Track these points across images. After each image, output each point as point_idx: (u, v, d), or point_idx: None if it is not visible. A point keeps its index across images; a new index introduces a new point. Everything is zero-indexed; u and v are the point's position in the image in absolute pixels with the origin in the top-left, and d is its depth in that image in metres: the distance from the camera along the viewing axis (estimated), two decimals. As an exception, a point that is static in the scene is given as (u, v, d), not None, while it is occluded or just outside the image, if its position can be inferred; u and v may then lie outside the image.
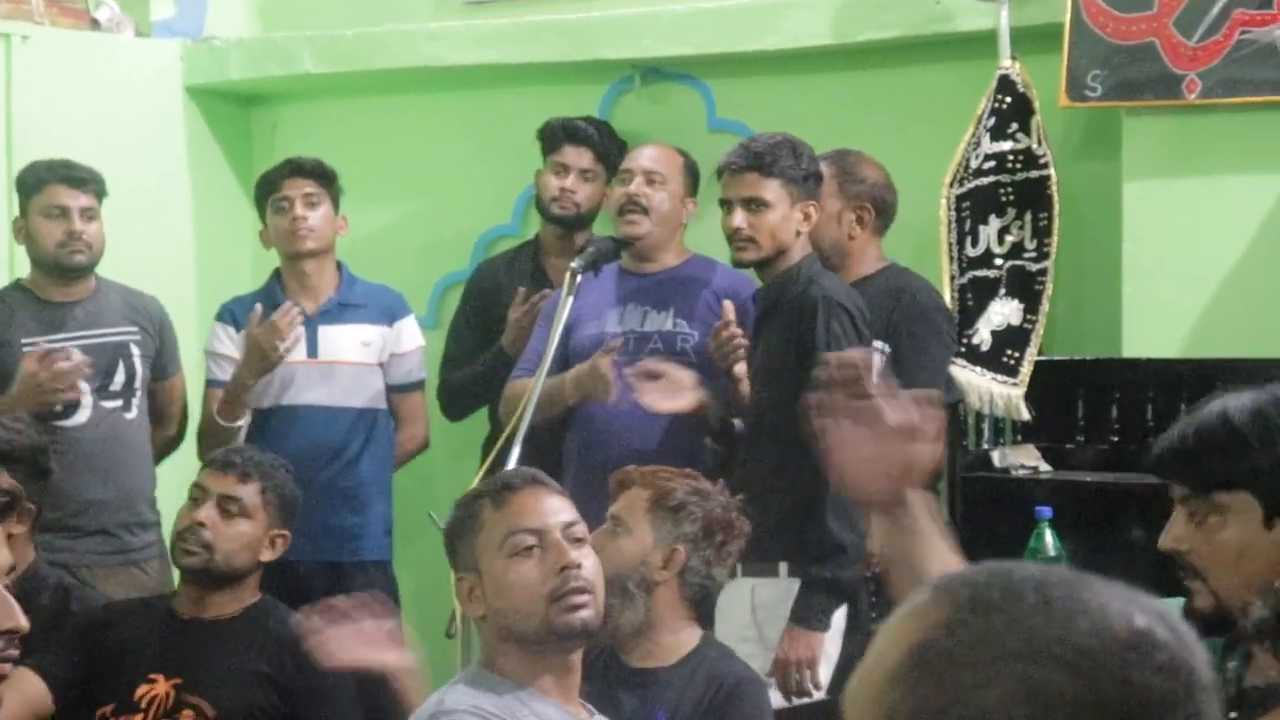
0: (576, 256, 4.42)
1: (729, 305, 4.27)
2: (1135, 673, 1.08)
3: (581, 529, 2.78)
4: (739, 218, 4.04)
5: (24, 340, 4.60)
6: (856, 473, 2.08)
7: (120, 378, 4.67)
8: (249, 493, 3.70)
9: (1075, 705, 1.07)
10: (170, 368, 4.87)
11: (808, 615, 3.85)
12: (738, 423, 4.24)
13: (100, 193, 4.68)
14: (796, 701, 3.83)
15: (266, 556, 3.73)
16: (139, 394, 4.71)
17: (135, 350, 4.71)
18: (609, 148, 4.99)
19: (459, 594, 2.74)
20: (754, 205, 4.03)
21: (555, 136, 4.99)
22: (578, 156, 4.95)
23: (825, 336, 3.89)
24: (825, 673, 3.89)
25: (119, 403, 4.66)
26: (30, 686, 3.52)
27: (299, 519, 4.52)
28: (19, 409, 4.46)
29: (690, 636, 3.38)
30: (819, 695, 3.86)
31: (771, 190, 4.03)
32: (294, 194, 4.79)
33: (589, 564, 2.74)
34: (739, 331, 4.21)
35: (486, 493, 2.78)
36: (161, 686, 3.52)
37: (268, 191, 4.85)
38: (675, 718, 3.27)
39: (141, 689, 3.52)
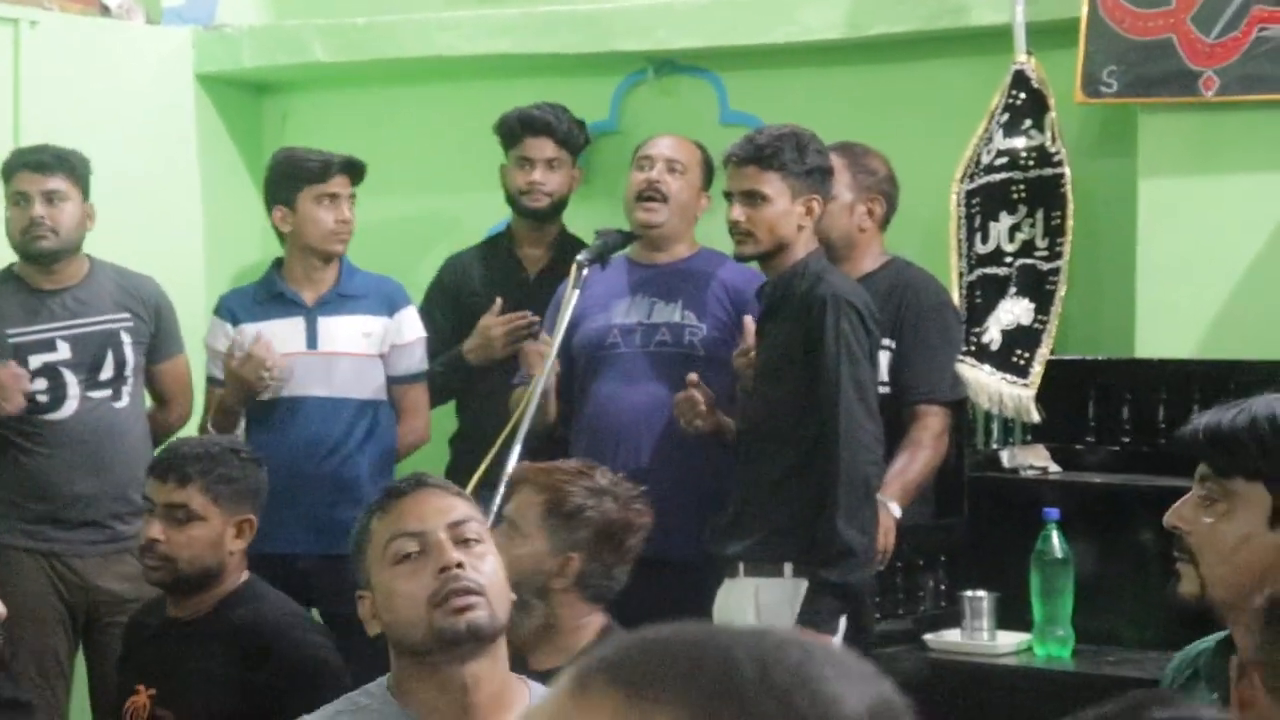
0: (583, 250, 4.38)
1: (749, 322, 4.22)
2: None
3: (474, 528, 2.56)
4: (738, 210, 4.00)
5: (9, 331, 4.57)
6: None
7: (109, 368, 4.63)
8: (192, 494, 3.53)
9: None
10: (171, 349, 4.81)
11: (816, 618, 3.80)
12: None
13: (76, 173, 4.60)
14: None
15: (236, 546, 3.56)
16: (130, 382, 4.67)
17: (126, 338, 4.66)
18: (569, 132, 4.96)
19: (362, 615, 2.56)
20: (753, 198, 3.99)
21: (513, 130, 4.96)
22: (539, 147, 4.92)
23: (835, 335, 3.85)
24: None
25: (108, 392, 4.62)
26: None
27: (299, 510, 4.51)
28: None
29: (591, 629, 3.24)
30: None
31: (771, 184, 3.98)
32: (343, 193, 4.75)
33: (482, 564, 2.53)
34: (699, 398, 4.18)
35: (374, 503, 2.62)
36: (141, 698, 3.47)
37: (307, 180, 4.74)
38: None
39: (129, 700, 3.49)
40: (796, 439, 3.90)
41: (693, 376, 4.23)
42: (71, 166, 4.61)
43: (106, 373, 4.62)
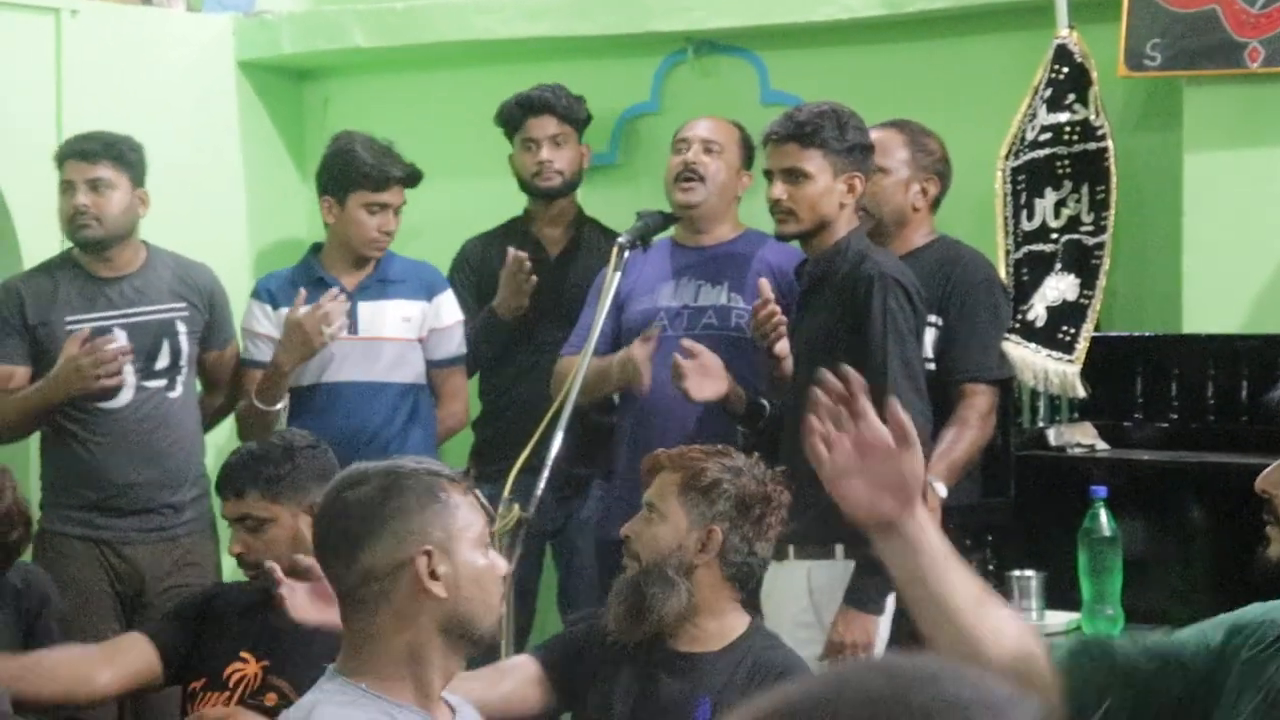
0: (624, 232, 4.37)
1: (764, 283, 4.20)
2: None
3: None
4: (779, 188, 3.98)
5: (68, 318, 4.58)
6: (857, 496, 2.01)
7: (165, 357, 4.64)
8: (251, 503, 3.52)
9: None
10: (223, 338, 4.82)
11: (862, 597, 3.78)
12: (766, 404, 4.18)
13: (124, 161, 4.60)
14: None
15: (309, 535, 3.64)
16: (184, 371, 4.68)
17: (182, 327, 4.67)
18: (570, 107, 4.95)
19: (420, 569, 2.46)
20: (794, 176, 3.96)
21: (514, 115, 4.97)
22: (542, 126, 4.92)
23: (882, 313, 3.82)
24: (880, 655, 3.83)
25: (163, 382, 4.63)
26: (141, 652, 3.48)
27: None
28: (58, 392, 4.47)
29: (737, 622, 3.32)
30: None
31: (813, 161, 3.95)
32: (394, 203, 4.77)
33: None
34: (778, 309, 4.15)
35: (456, 473, 2.60)
36: (251, 667, 3.48)
37: (362, 185, 4.74)
38: (719, 705, 3.21)
39: (232, 666, 3.49)
40: None
41: (765, 282, 4.18)
42: (119, 154, 4.61)
43: (162, 362, 4.63)
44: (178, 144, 5.17)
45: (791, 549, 3.91)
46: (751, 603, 3.88)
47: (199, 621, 3.57)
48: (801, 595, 3.89)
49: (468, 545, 2.49)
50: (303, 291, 4.67)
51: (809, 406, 3.72)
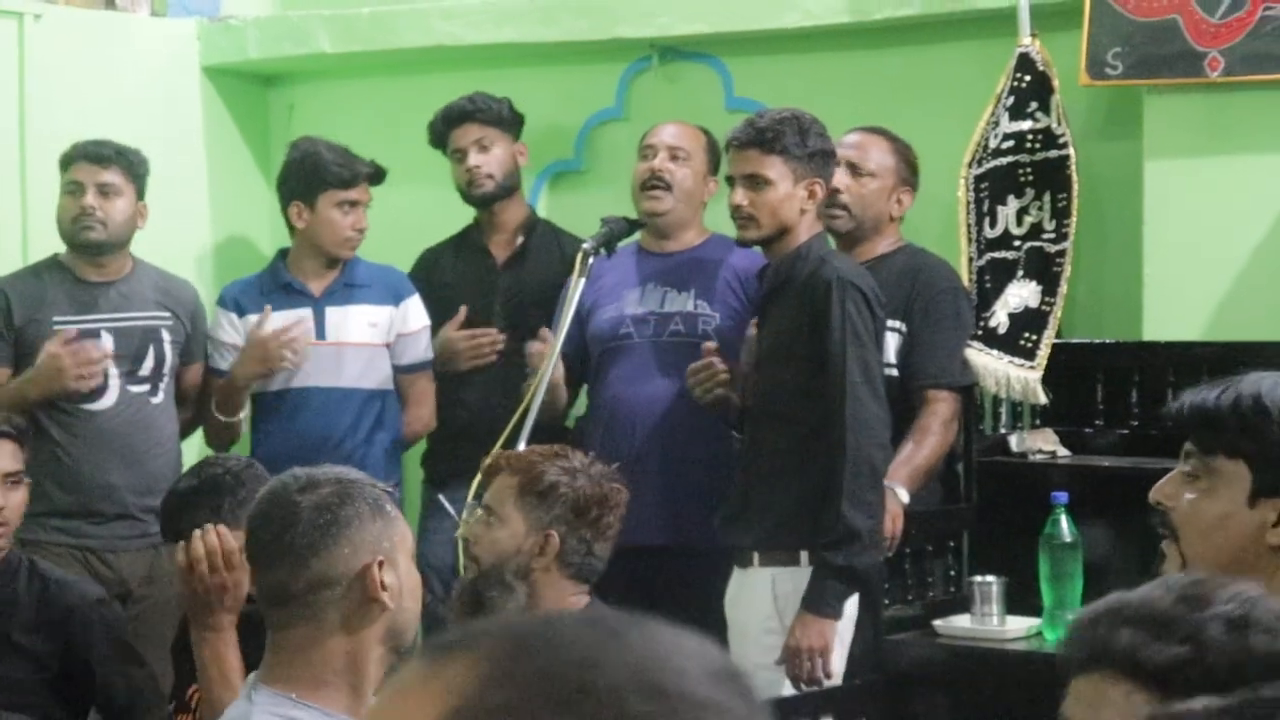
0: (589, 238, 4.38)
1: (709, 345, 4.24)
2: (728, 703, 0.97)
3: None
4: (740, 194, 3.99)
5: (55, 318, 4.61)
6: None
7: (149, 362, 4.67)
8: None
9: None
10: (197, 353, 4.85)
11: (819, 602, 3.80)
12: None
13: (132, 170, 4.66)
14: (806, 690, 3.79)
15: None
16: (167, 379, 4.71)
17: (166, 335, 4.71)
18: (490, 109, 4.94)
19: (375, 579, 2.42)
20: (756, 182, 3.97)
21: (438, 130, 4.99)
22: (465, 134, 4.92)
23: (840, 317, 3.84)
24: (838, 661, 3.84)
25: (146, 387, 4.66)
26: None
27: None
28: (36, 389, 4.47)
29: (576, 608, 3.28)
30: (831, 683, 3.82)
31: (774, 168, 3.96)
32: (363, 200, 4.80)
33: None
34: (719, 368, 4.16)
35: (391, 493, 2.59)
36: None
37: (331, 184, 4.77)
38: None
39: (193, 687, 3.47)
40: (801, 422, 3.90)
41: (710, 345, 4.23)
42: (129, 163, 4.67)
43: (146, 368, 4.66)
44: (141, 148, 5.14)
45: (756, 556, 3.92)
46: (713, 609, 3.89)
47: (177, 653, 3.56)
48: (766, 602, 3.90)
49: (405, 557, 2.48)
50: (268, 309, 4.69)
51: (774, 409, 3.74)
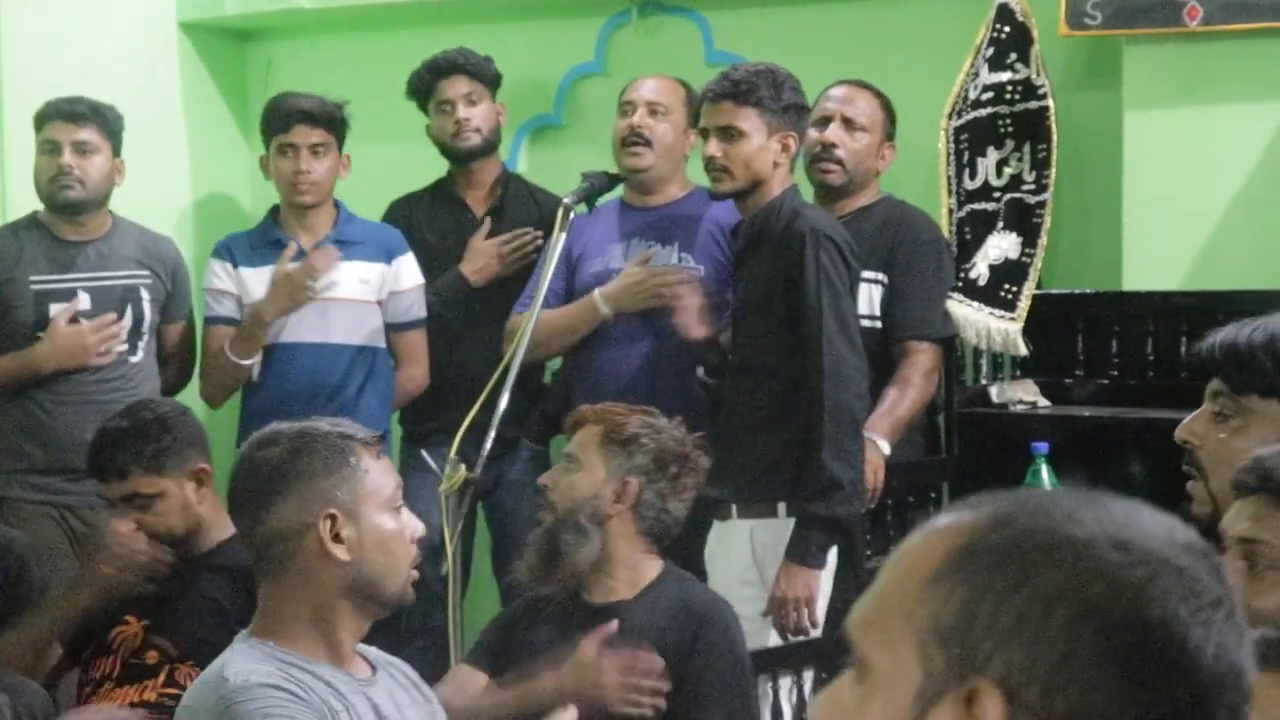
0: (569, 193, 4.38)
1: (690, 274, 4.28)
2: (1190, 566, 1.12)
3: None
4: (714, 146, 3.98)
5: (33, 278, 4.58)
6: None
7: (128, 321, 4.64)
8: (137, 481, 3.52)
9: (1138, 590, 1.09)
10: (179, 311, 4.83)
11: (804, 552, 3.80)
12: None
13: (107, 128, 4.62)
14: (793, 639, 3.80)
15: (203, 496, 3.55)
16: (146, 338, 4.68)
17: (145, 294, 4.67)
18: (480, 66, 4.93)
19: (323, 534, 2.48)
20: (729, 134, 3.96)
21: (424, 81, 4.95)
22: (454, 86, 4.90)
23: (815, 268, 3.84)
24: (822, 610, 3.86)
25: (124, 346, 4.62)
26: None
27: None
28: (49, 363, 4.46)
29: (650, 568, 3.35)
30: (815, 633, 3.83)
31: (748, 120, 3.95)
32: (301, 142, 4.74)
33: None
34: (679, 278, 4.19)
35: (367, 437, 2.61)
36: (132, 627, 3.49)
37: (274, 129, 4.79)
38: (645, 646, 3.23)
39: (116, 630, 3.50)
40: (780, 374, 3.89)
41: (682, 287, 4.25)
42: (104, 120, 4.63)
43: (124, 327, 4.62)
44: (120, 105, 5.11)
45: (734, 508, 3.93)
46: (693, 562, 3.90)
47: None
48: (745, 554, 3.91)
49: (375, 508, 2.51)
50: (292, 244, 4.69)
51: (752, 363, 3.73)
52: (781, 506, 3.88)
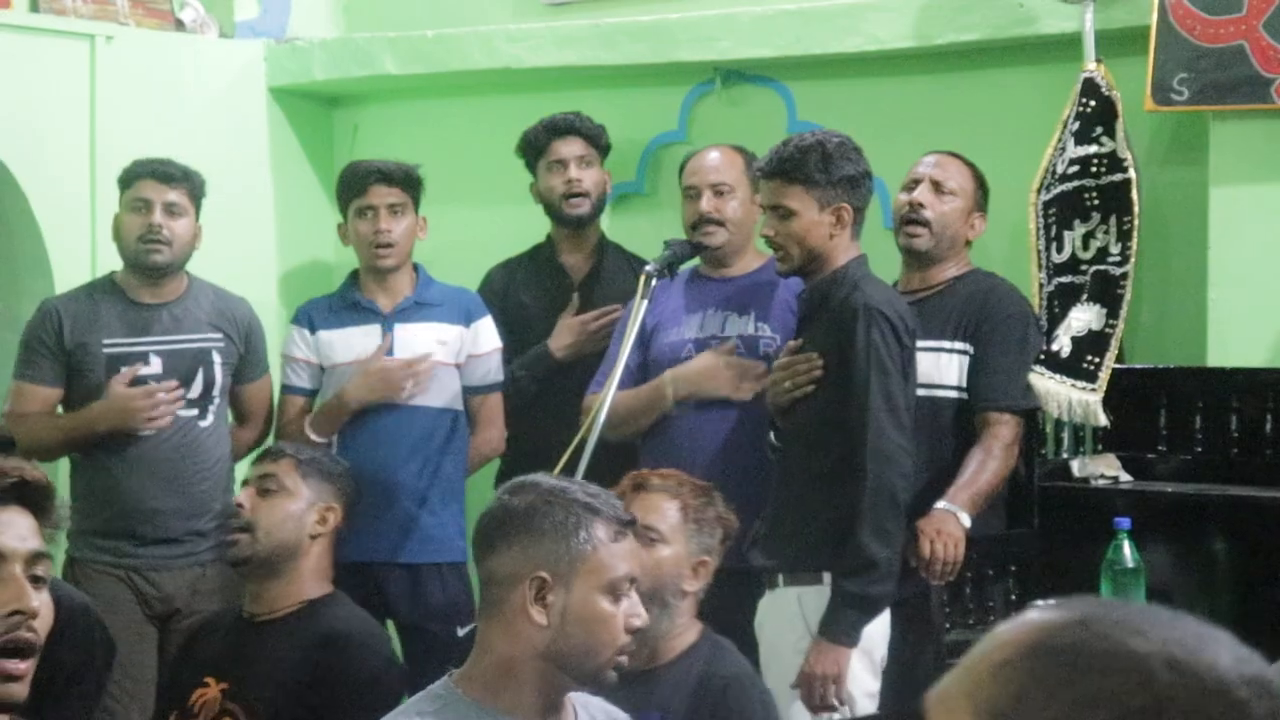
0: (652, 261, 4.39)
1: (792, 344, 4.24)
2: (1249, 701, 1.10)
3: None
4: (768, 226, 4.01)
5: (105, 340, 4.59)
6: None
7: (198, 385, 4.64)
8: (284, 468, 3.73)
9: (1179, 712, 1.09)
10: (256, 371, 4.83)
11: (836, 630, 3.77)
12: None
13: (194, 192, 4.65)
14: (821, 716, 3.78)
15: (317, 530, 3.69)
16: (217, 402, 4.68)
17: (217, 358, 4.67)
18: (595, 131, 4.99)
19: (528, 597, 2.56)
20: (780, 213, 3.97)
21: (539, 138, 4.98)
22: (569, 147, 4.95)
23: (866, 344, 3.83)
24: (866, 685, 3.82)
25: (194, 411, 4.62)
26: None
27: (376, 519, 4.53)
28: (103, 424, 4.49)
29: (690, 633, 3.39)
30: (843, 711, 3.79)
31: (795, 198, 3.94)
32: (378, 203, 4.76)
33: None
34: (817, 363, 4.13)
35: (607, 509, 2.63)
36: (213, 690, 3.51)
37: (352, 193, 4.82)
38: (668, 717, 3.24)
39: (197, 693, 3.52)
40: (831, 447, 3.88)
41: (792, 343, 4.22)
42: (192, 184, 4.65)
43: (195, 391, 4.62)
44: (209, 170, 5.18)
45: (781, 577, 3.93)
46: (741, 633, 3.89)
47: (177, 664, 3.69)
48: (796, 621, 3.87)
49: (592, 585, 2.53)
50: (388, 337, 4.72)
51: (804, 435, 3.72)
52: (826, 576, 3.86)
